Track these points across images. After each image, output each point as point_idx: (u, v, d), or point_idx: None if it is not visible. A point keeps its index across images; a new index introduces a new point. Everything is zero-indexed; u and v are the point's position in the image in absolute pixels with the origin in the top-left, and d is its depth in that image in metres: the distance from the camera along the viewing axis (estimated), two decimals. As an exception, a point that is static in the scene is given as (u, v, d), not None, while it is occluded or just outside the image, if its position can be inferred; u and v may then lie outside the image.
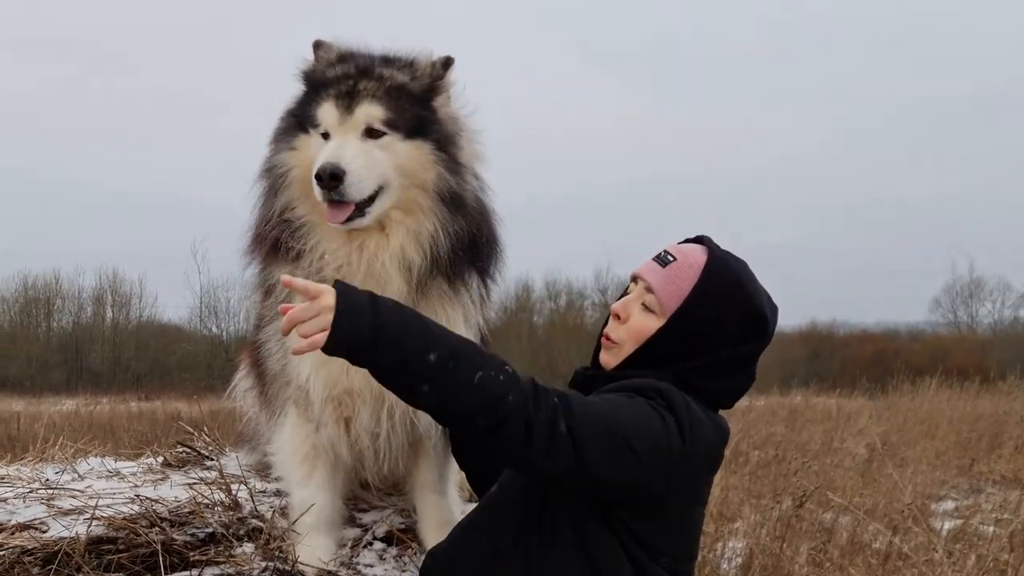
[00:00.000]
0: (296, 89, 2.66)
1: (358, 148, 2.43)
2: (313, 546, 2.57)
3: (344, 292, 1.84)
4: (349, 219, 2.42)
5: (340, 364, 2.51)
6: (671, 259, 2.15)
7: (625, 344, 2.16)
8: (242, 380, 3.28)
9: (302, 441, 2.71)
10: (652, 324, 2.13)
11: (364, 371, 2.48)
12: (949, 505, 7.48)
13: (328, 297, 1.81)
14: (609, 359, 2.20)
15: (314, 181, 2.38)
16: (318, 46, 2.65)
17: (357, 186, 2.39)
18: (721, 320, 2.11)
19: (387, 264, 2.49)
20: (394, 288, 2.47)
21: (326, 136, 2.49)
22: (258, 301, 2.77)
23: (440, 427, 2.72)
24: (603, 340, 2.22)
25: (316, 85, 2.57)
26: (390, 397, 2.56)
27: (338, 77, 2.53)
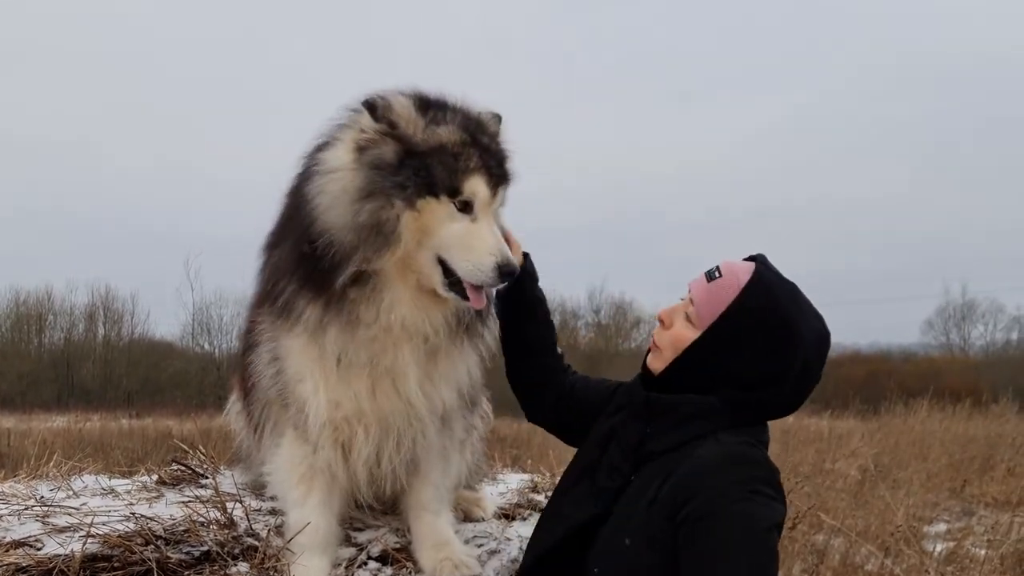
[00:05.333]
0: (376, 141, 2.40)
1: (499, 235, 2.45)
2: (308, 566, 2.57)
3: None
4: None
5: (341, 389, 2.53)
6: (717, 275, 2.24)
7: (666, 350, 2.29)
8: (235, 403, 3.29)
9: (299, 462, 2.71)
10: (689, 335, 2.23)
11: (364, 395, 2.52)
12: (941, 527, 7.48)
13: None
14: (654, 362, 2.33)
15: (490, 268, 2.35)
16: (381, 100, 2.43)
17: None
18: (752, 340, 2.16)
19: (448, 318, 2.53)
20: (441, 333, 2.53)
21: (466, 207, 2.39)
22: (271, 325, 2.65)
23: (438, 447, 2.75)
24: (651, 344, 2.36)
25: (436, 149, 2.38)
26: (396, 424, 2.60)
27: (465, 143, 2.41)
